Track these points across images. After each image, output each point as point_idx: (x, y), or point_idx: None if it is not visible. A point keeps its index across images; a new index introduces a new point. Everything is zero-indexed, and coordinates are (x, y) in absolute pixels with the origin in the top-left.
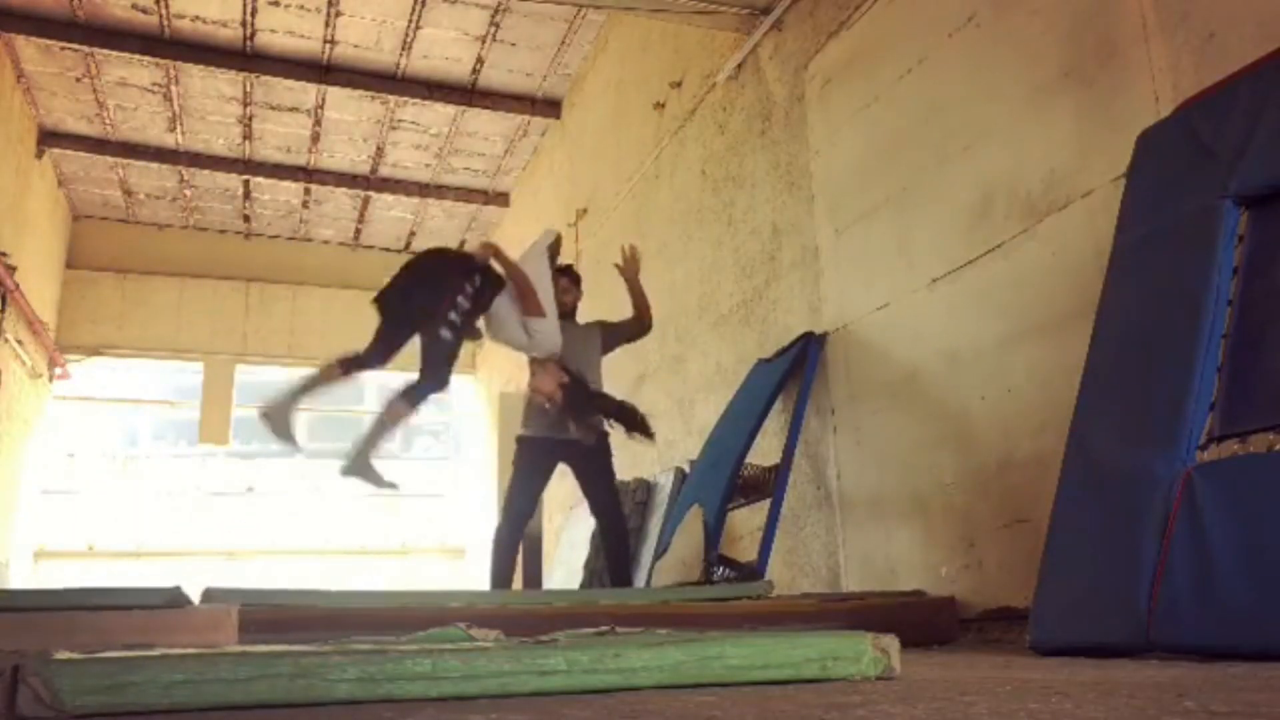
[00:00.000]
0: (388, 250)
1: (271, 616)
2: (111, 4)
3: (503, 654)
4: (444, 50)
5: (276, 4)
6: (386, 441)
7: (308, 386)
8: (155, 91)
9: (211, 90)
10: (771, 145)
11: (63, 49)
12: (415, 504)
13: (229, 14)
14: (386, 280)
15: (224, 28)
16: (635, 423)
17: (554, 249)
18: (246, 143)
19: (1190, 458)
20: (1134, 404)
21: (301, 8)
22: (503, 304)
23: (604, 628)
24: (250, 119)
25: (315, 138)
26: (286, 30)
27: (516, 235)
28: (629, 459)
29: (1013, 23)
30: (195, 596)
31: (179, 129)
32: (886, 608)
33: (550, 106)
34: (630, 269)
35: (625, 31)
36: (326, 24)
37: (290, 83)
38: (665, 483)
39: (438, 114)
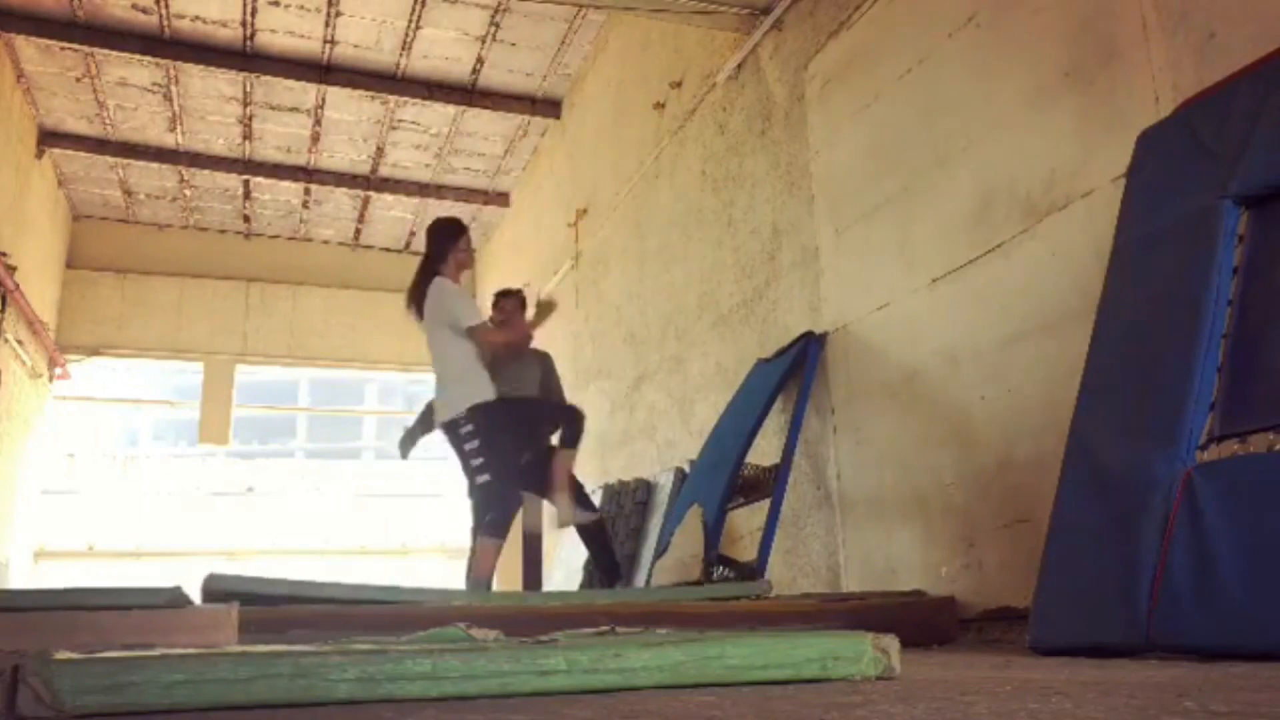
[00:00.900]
0: (388, 250)
1: (271, 616)
2: (111, 4)
3: (503, 654)
4: (444, 50)
5: (276, 4)
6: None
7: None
8: (155, 91)
9: (211, 90)
10: (771, 145)
11: (63, 49)
12: (415, 504)
13: (229, 14)
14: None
15: (224, 28)
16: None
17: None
18: (246, 143)
19: (1190, 458)
20: (1134, 404)
21: (301, 8)
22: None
23: (604, 628)
24: (250, 119)
25: (315, 138)
26: (286, 30)
27: (516, 235)
28: (628, 459)
29: (1013, 23)
30: (195, 596)
31: (179, 129)
32: (886, 608)
33: (550, 106)
34: (542, 314)
35: (625, 31)
36: (326, 24)
37: (290, 83)
38: (665, 483)
39: (438, 114)
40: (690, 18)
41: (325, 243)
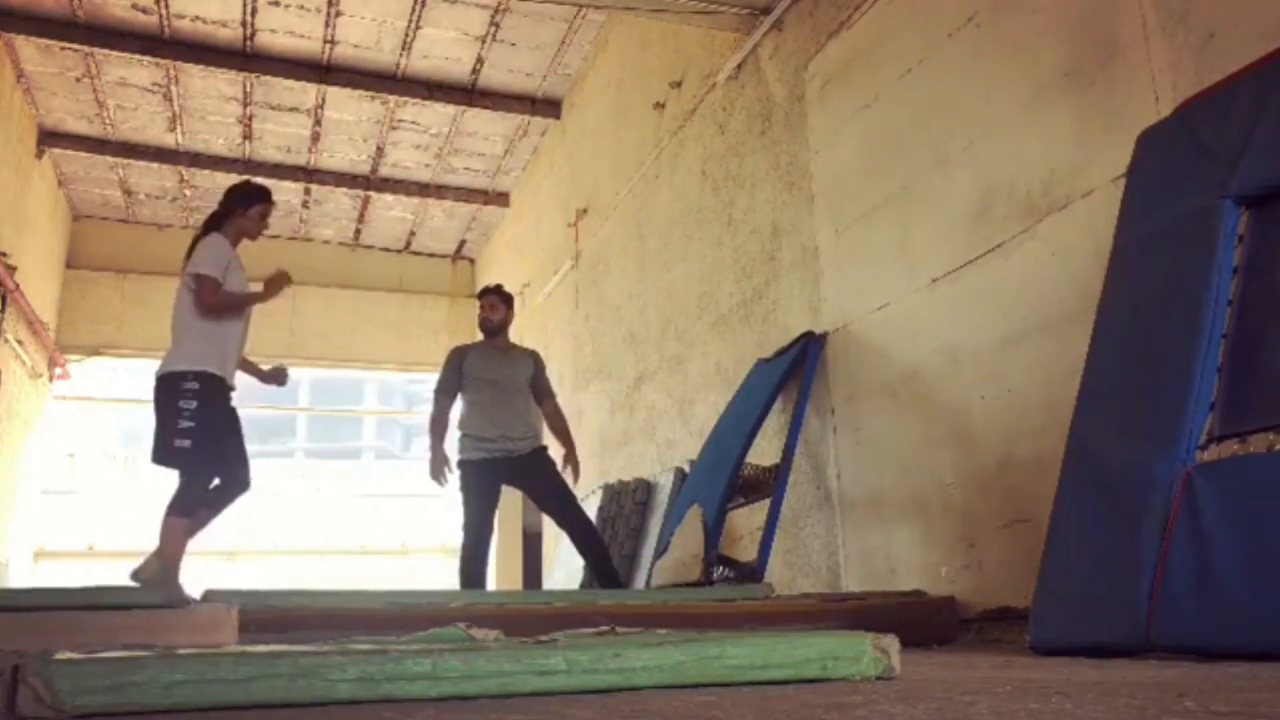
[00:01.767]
0: (388, 250)
1: (271, 616)
2: (111, 4)
3: (503, 654)
4: (444, 50)
5: (276, 4)
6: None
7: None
8: (155, 91)
9: (211, 90)
10: (771, 145)
11: (63, 49)
12: (415, 504)
13: (229, 14)
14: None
15: (224, 28)
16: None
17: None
18: (246, 143)
19: (1190, 458)
20: (1134, 404)
21: (301, 8)
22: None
23: (604, 628)
24: (250, 119)
25: (315, 138)
26: (286, 30)
27: (516, 235)
28: (627, 459)
29: (1013, 23)
30: (195, 596)
31: (179, 129)
32: (886, 608)
33: (550, 106)
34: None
35: (625, 31)
36: (326, 24)
37: (290, 83)
38: (665, 483)
39: (438, 114)
40: (690, 18)
41: (325, 243)
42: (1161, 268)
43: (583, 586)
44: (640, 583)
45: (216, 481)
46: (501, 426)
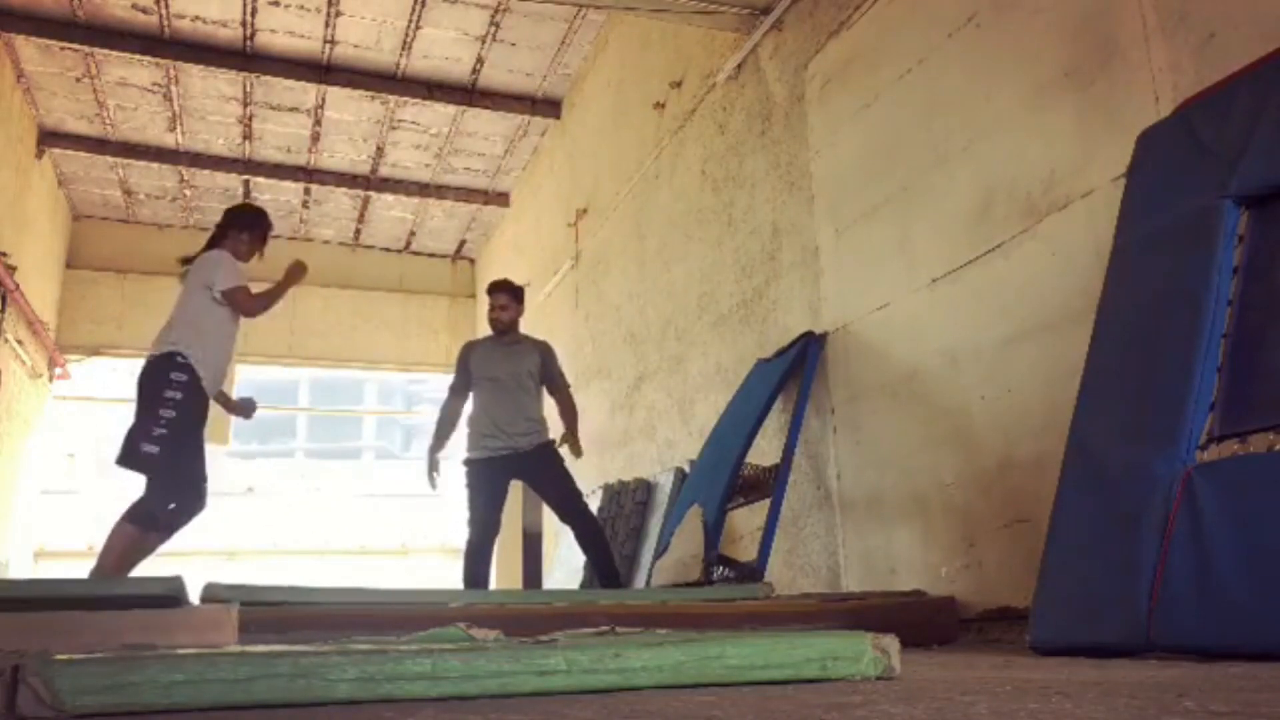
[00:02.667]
0: (388, 250)
1: (271, 616)
2: (111, 4)
3: (503, 654)
4: (444, 50)
5: (276, 4)
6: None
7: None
8: (155, 91)
9: (211, 90)
10: (771, 145)
11: (63, 49)
12: (415, 504)
13: (229, 14)
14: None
15: (224, 28)
16: None
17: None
18: (246, 143)
19: (1190, 458)
20: (1134, 404)
21: (301, 8)
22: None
23: (604, 628)
24: (250, 119)
25: (315, 138)
26: (286, 30)
27: (516, 235)
28: (628, 459)
29: (1013, 23)
30: (195, 596)
31: (179, 129)
32: (886, 608)
33: (550, 106)
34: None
35: (625, 31)
36: (326, 24)
37: (290, 83)
38: (665, 483)
39: (438, 114)
40: (690, 18)
41: (325, 243)
42: (1161, 268)
43: (583, 586)
44: (640, 583)
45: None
46: (502, 423)
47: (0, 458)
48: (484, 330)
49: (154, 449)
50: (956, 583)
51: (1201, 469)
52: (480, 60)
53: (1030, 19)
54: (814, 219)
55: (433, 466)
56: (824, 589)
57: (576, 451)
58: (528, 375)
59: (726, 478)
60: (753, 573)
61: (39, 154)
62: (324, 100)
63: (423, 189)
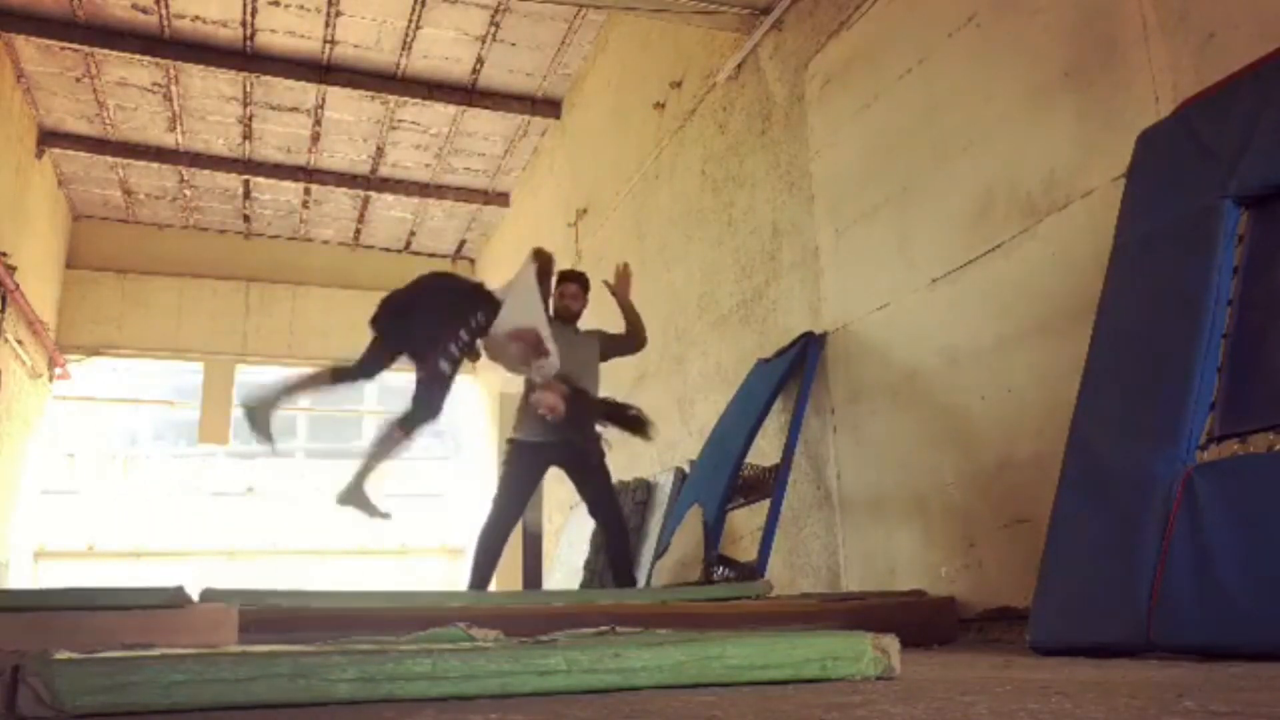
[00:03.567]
0: (388, 250)
1: (271, 616)
2: (111, 4)
3: (503, 654)
4: (444, 50)
5: (276, 4)
6: (382, 468)
7: (294, 388)
8: (155, 91)
9: (211, 90)
10: (771, 145)
11: (63, 49)
12: (415, 504)
13: (229, 14)
14: (386, 295)
15: (224, 28)
16: (634, 424)
17: (544, 267)
18: (246, 143)
19: (1190, 458)
20: (1134, 404)
21: (301, 8)
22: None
23: (604, 628)
24: (250, 119)
25: (315, 138)
26: (286, 30)
27: (516, 235)
28: (628, 459)
29: (1013, 23)
30: (195, 597)
31: (179, 129)
32: (886, 608)
33: (550, 106)
34: (622, 287)
35: (625, 31)
36: (326, 24)
37: (290, 83)
38: (665, 483)
39: (438, 114)
40: (690, 18)
41: (325, 243)
42: (1161, 268)
43: (583, 586)
44: (640, 583)
45: None
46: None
47: (0, 458)
48: None
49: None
50: (956, 583)
51: (1201, 469)
52: (480, 60)
53: (1030, 19)
54: (814, 219)
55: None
56: (824, 589)
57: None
58: (594, 365)
59: (726, 478)
60: (753, 573)
61: (39, 154)
62: (324, 100)
63: (423, 189)
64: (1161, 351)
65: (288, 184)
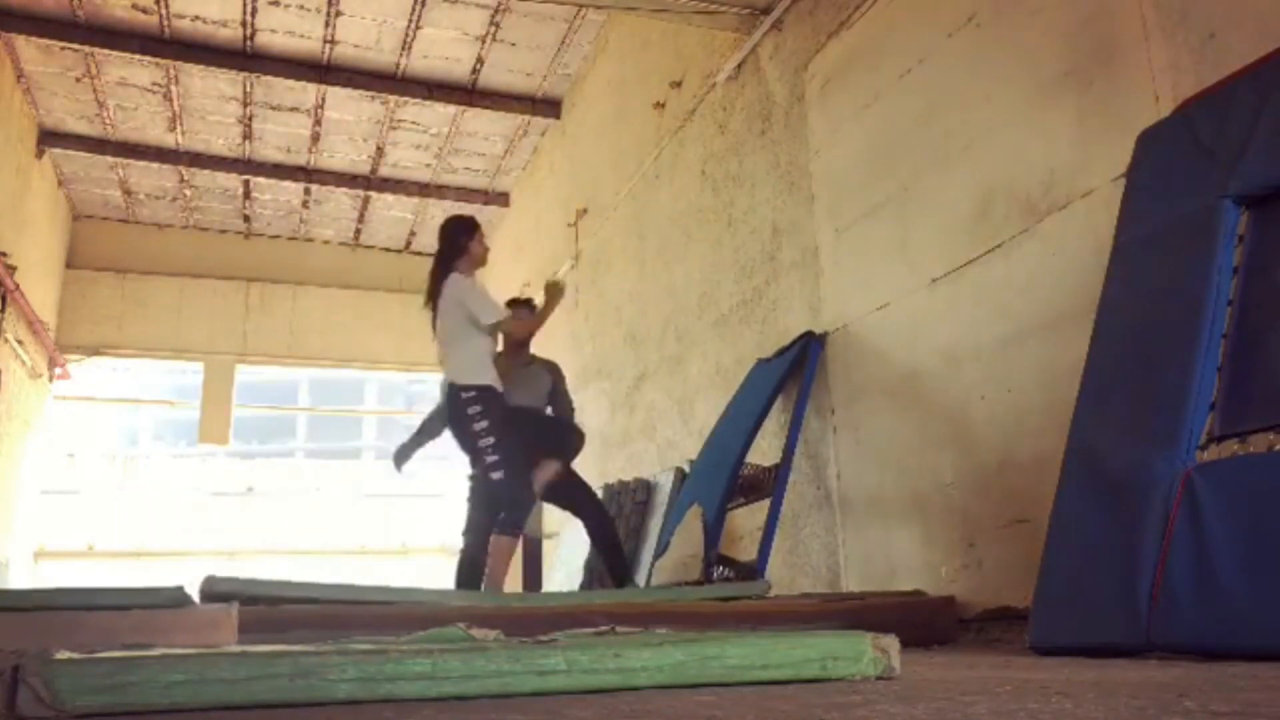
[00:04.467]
0: (388, 250)
1: (271, 616)
2: (111, 4)
3: (503, 654)
4: (444, 50)
5: (276, 4)
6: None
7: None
8: (155, 91)
9: (211, 90)
10: (771, 145)
11: (63, 49)
12: (415, 504)
13: (229, 14)
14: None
15: (224, 28)
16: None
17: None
18: (246, 143)
19: (1190, 458)
20: (1134, 404)
21: (301, 8)
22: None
23: (604, 628)
24: (250, 119)
25: (315, 138)
26: (286, 30)
27: (516, 235)
28: (628, 459)
29: (1013, 23)
30: (195, 597)
31: (179, 129)
32: (886, 608)
33: (550, 106)
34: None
35: (625, 31)
36: (326, 24)
37: (290, 83)
38: (665, 483)
39: (438, 114)
40: (690, 18)
41: (325, 243)
42: (1161, 268)
43: (583, 588)
44: (640, 583)
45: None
46: None
47: (0, 458)
48: None
49: (499, 475)
50: (956, 583)
51: (1201, 469)
52: (480, 60)
53: (1030, 19)
54: (814, 219)
55: (404, 457)
56: (824, 589)
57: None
58: (542, 398)
59: (726, 478)
60: (752, 572)
61: (39, 154)
62: (324, 100)
63: (423, 189)
64: (1161, 351)
65: (288, 184)
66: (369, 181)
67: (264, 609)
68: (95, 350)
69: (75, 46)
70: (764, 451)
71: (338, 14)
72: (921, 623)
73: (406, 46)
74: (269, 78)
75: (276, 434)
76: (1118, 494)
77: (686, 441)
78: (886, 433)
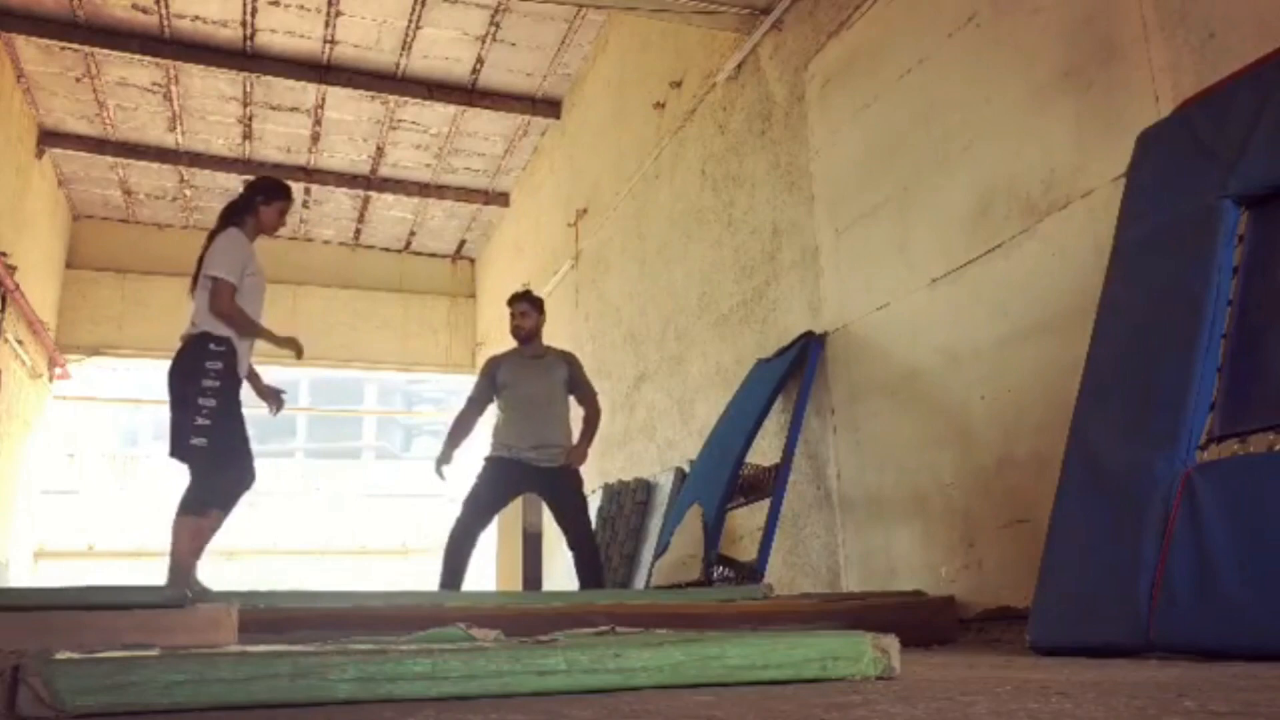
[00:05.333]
0: (388, 250)
1: (271, 616)
2: (111, 4)
3: (503, 654)
4: (444, 50)
5: (276, 4)
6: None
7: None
8: (155, 91)
9: (211, 90)
10: (771, 145)
11: (63, 49)
12: (415, 504)
13: (229, 14)
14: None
15: (224, 28)
16: None
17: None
18: (246, 143)
19: (1190, 458)
20: (1134, 404)
21: (301, 8)
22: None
23: (604, 628)
24: (250, 119)
25: (315, 138)
26: (286, 30)
27: (516, 235)
28: (628, 459)
29: (1013, 23)
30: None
31: (179, 129)
32: (886, 608)
33: (550, 106)
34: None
35: (625, 31)
36: (326, 24)
37: (290, 83)
38: (665, 483)
39: (438, 114)
40: (690, 18)
41: (325, 243)
42: (1161, 268)
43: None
44: (640, 583)
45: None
46: (531, 439)
47: (0, 458)
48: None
49: (201, 441)
50: (956, 583)
51: (1201, 469)
52: (480, 60)
53: (1030, 19)
54: (814, 219)
55: (446, 460)
56: (824, 589)
57: (578, 458)
58: (560, 389)
59: (726, 478)
60: (752, 573)
61: (39, 154)
62: (324, 100)
63: (423, 189)
64: (1161, 351)
65: (288, 184)
66: (369, 181)
67: (264, 609)
68: (95, 350)
69: (75, 46)
70: (764, 451)
71: (338, 14)
72: (921, 623)
73: (406, 46)
74: (269, 78)
75: (276, 434)
76: (1118, 494)
77: (686, 441)
78: (886, 432)
